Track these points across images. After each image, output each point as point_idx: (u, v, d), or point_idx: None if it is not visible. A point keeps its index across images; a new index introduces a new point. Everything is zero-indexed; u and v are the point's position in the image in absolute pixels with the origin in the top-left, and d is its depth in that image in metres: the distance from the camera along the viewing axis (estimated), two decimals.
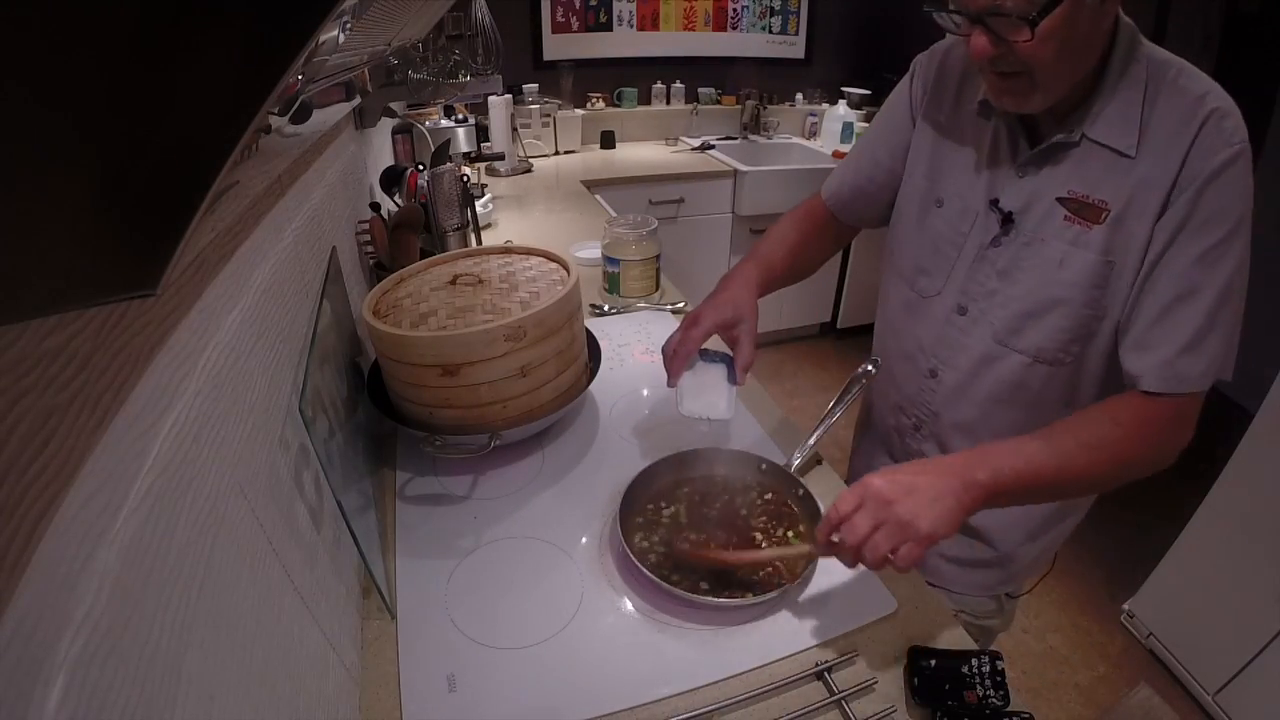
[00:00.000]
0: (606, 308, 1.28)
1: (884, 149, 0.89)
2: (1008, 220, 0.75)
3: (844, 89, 2.99)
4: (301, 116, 0.56)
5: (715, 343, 0.85)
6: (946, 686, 0.59)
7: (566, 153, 2.71)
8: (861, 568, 0.71)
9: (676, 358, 0.81)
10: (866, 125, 2.91)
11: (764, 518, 0.77)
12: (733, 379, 0.82)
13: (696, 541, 0.74)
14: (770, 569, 0.70)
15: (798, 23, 3.02)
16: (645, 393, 1.02)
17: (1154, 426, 0.68)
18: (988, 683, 0.59)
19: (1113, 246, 0.68)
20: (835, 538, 0.61)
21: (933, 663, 0.60)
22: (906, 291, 0.88)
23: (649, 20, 2.80)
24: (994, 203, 0.76)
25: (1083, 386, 0.77)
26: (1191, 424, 0.69)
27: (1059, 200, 0.71)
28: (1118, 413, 0.68)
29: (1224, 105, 0.63)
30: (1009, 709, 0.58)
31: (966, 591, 0.92)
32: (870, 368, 0.87)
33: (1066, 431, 0.67)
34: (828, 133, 2.97)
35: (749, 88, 3.01)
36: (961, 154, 0.80)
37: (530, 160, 2.51)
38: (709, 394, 0.82)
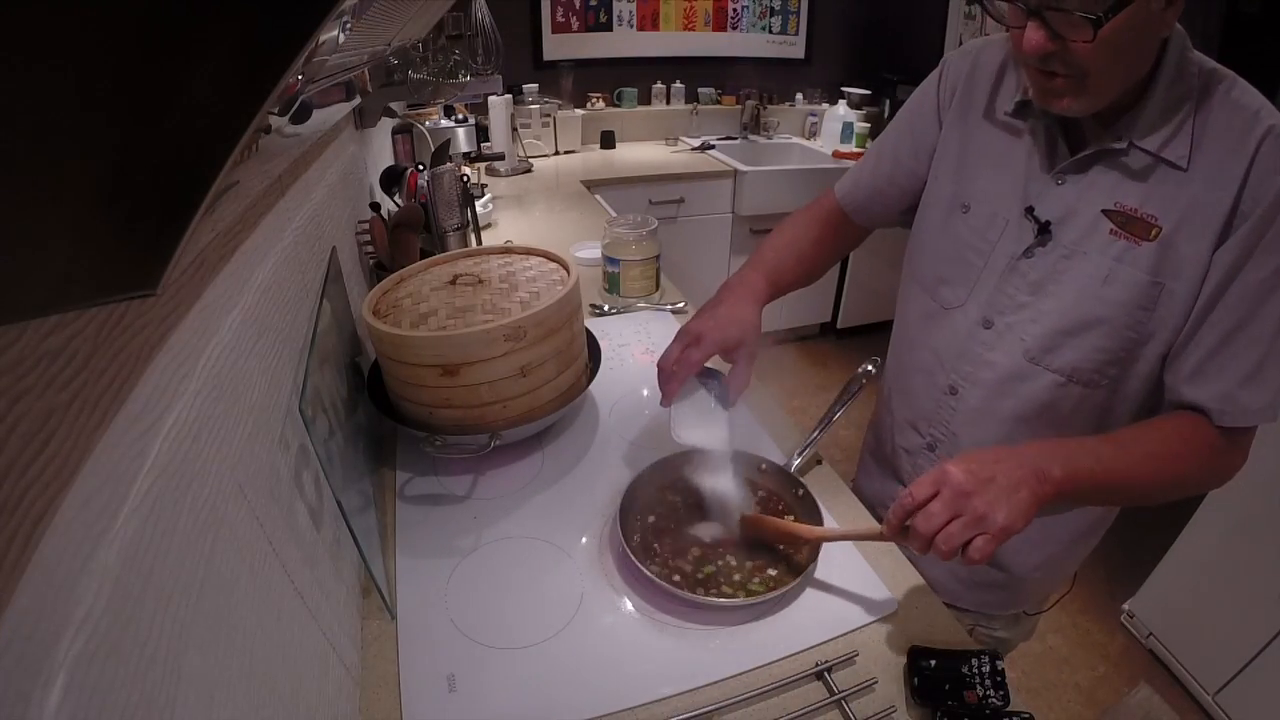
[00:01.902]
0: (606, 308, 1.28)
1: (907, 149, 0.85)
2: (1044, 230, 0.70)
3: (844, 89, 2.99)
4: (301, 116, 0.57)
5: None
6: (946, 686, 0.59)
7: (566, 153, 2.71)
8: (861, 562, 0.72)
9: (673, 379, 0.77)
10: (866, 125, 2.91)
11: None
12: (726, 403, 0.79)
13: (760, 514, 0.75)
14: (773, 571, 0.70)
15: (798, 23, 3.02)
16: (645, 393, 1.02)
17: (1216, 452, 0.66)
18: (988, 683, 0.59)
19: (1163, 268, 0.64)
20: (908, 523, 0.59)
21: (933, 663, 0.60)
22: (927, 301, 0.84)
23: (649, 20, 2.80)
24: (1029, 211, 0.71)
25: (1117, 410, 0.74)
26: (1247, 452, 0.67)
27: (1105, 212, 0.67)
28: (1186, 431, 0.66)
29: (1279, 122, 0.60)
30: (1009, 709, 0.58)
31: (977, 609, 0.90)
32: (870, 368, 0.87)
33: (1136, 440, 0.65)
34: (828, 133, 2.97)
35: (749, 88, 3.01)
36: (992, 157, 0.76)
37: (530, 160, 2.51)
38: (705, 423, 0.79)
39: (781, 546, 0.73)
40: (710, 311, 0.81)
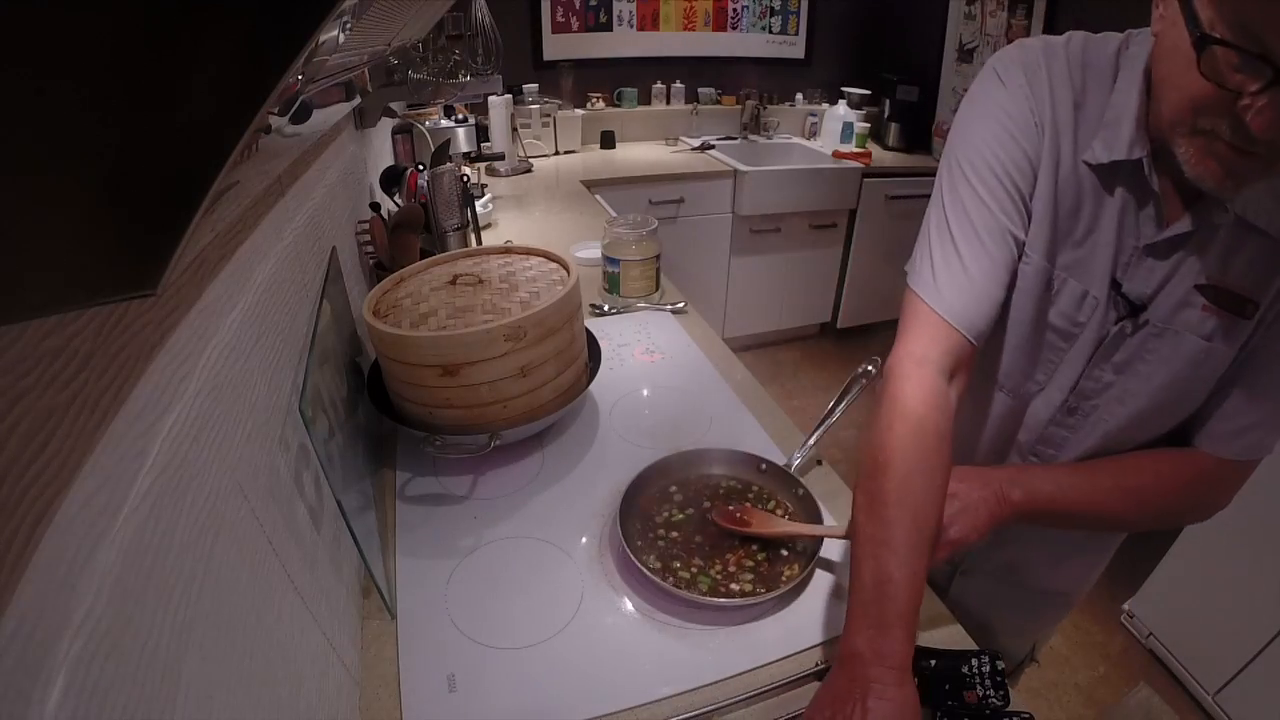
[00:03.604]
0: (606, 308, 1.28)
1: (1014, 215, 0.62)
2: (1136, 310, 0.62)
3: (844, 89, 2.99)
4: (301, 116, 0.56)
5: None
6: (946, 686, 0.59)
7: (566, 153, 2.71)
8: None
9: None
10: (866, 125, 2.89)
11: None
12: None
13: (729, 513, 0.75)
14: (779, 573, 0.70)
15: (798, 23, 3.02)
16: (645, 393, 1.02)
17: (1203, 486, 0.65)
18: (988, 683, 0.59)
19: (1250, 340, 0.60)
20: None
21: (933, 663, 0.60)
22: (995, 393, 0.74)
23: (649, 20, 2.80)
24: (1117, 287, 0.62)
25: None
26: (1237, 488, 0.66)
27: (1198, 287, 0.59)
28: (1165, 467, 0.66)
29: None
30: (1009, 709, 0.58)
31: (1041, 629, 0.92)
32: (870, 368, 0.87)
33: (1108, 473, 0.66)
34: (828, 133, 2.97)
35: (749, 88, 3.01)
36: (1078, 222, 0.62)
37: (530, 160, 2.51)
38: None
39: (780, 547, 0.73)
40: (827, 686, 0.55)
